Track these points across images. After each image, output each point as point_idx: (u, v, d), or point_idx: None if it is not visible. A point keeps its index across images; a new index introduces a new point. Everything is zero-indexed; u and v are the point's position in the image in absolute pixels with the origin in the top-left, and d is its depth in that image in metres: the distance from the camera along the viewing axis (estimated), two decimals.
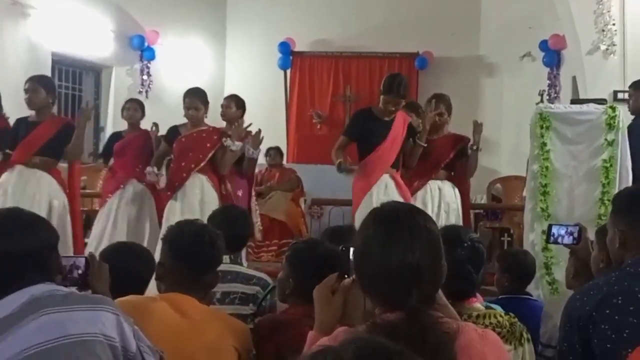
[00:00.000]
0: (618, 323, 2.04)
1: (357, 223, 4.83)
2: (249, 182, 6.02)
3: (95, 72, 9.52)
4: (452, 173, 5.57)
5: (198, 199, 5.40)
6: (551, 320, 2.97)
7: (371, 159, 5.09)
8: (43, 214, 4.31)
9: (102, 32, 9.12)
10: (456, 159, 5.50)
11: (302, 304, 2.46)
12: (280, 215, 7.63)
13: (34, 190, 5.15)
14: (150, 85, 9.71)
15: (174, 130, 5.60)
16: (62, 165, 5.53)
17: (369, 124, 5.13)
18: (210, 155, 5.48)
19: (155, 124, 5.86)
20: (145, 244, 5.51)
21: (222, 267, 2.58)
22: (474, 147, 5.42)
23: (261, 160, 8.49)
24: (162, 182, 5.55)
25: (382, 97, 5.11)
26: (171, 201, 5.47)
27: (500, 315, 2.21)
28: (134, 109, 6.15)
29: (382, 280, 1.56)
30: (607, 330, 2.05)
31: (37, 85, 5.22)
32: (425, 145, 5.20)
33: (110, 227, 5.81)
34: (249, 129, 5.58)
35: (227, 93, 9.93)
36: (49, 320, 1.81)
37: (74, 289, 2.04)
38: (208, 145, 5.49)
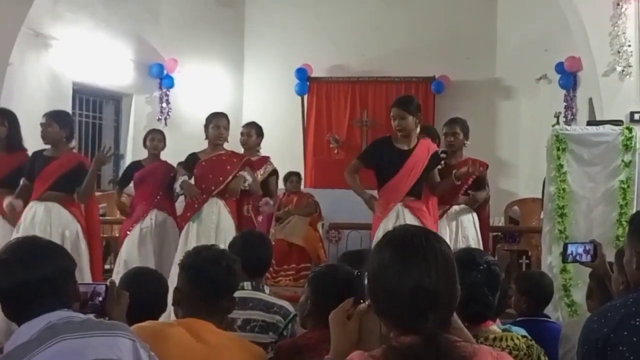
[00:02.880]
0: (636, 345, 2.03)
1: None
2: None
3: (115, 101, 9.65)
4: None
5: (214, 224, 5.44)
6: (570, 343, 2.95)
7: (385, 191, 4.95)
8: None
9: (122, 61, 9.27)
10: (474, 186, 5.43)
11: (320, 327, 2.47)
12: (298, 240, 7.65)
13: (45, 223, 5.14)
14: (170, 113, 9.83)
15: (193, 157, 5.65)
16: None
17: (385, 154, 4.97)
18: (230, 178, 5.53)
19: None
20: (172, 272, 5.56)
21: (243, 294, 2.58)
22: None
23: (281, 185, 8.56)
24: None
25: (391, 116, 4.96)
26: (189, 223, 5.50)
27: (517, 338, 2.21)
28: (158, 139, 6.20)
29: (397, 304, 1.56)
30: (625, 352, 2.04)
31: (50, 120, 5.27)
32: (458, 182, 5.02)
33: (136, 260, 5.76)
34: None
35: (245, 119, 10.03)
36: (67, 346, 1.83)
37: (91, 316, 2.07)
38: (229, 167, 5.55)
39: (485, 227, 5.62)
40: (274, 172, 6.20)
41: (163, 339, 2.24)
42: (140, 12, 9.50)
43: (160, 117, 9.74)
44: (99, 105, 9.45)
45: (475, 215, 5.43)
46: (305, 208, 7.99)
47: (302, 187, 8.57)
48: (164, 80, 9.79)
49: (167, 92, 9.85)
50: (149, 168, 6.12)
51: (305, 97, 10.55)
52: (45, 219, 5.17)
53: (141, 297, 2.54)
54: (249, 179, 5.56)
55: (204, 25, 10.24)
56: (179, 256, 5.36)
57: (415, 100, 5.07)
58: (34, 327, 1.88)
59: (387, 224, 4.79)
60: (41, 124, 5.28)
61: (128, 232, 5.95)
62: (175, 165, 5.98)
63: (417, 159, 4.91)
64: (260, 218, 5.91)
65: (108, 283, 2.28)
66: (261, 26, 10.75)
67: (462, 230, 5.30)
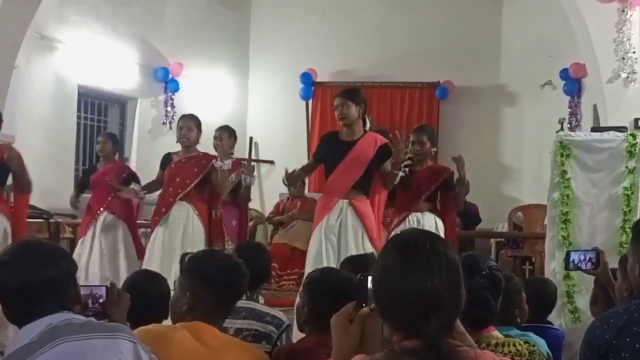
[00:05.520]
0: (638, 351, 2.03)
1: (312, 249, 4.80)
2: (242, 212, 6.05)
3: (120, 104, 9.66)
4: (437, 205, 5.44)
5: (182, 228, 5.42)
6: (573, 350, 2.94)
7: (328, 182, 4.91)
8: None
9: (127, 64, 9.28)
10: (440, 191, 5.39)
11: (318, 332, 2.47)
12: (301, 245, 7.63)
13: None
14: (174, 117, 9.78)
15: (167, 157, 5.69)
16: None
17: (331, 146, 4.92)
18: (197, 180, 5.50)
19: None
20: (121, 274, 5.66)
21: (238, 304, 2.57)
22: (459, 182, 5.32)
23: (285, 189, 8.55)
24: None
25: (334, 106, 4.89)
26: (157, 227, 5.51)
27: (520, 344, 2.21)
28: (103, 142, 6.32)
29: (400, 307, 1.56)
30: (628, 359, 2.04)
31: None
32: (400, 173, 4.75)
33: (84, 262, 5.91)
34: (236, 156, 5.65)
35: (250, 124, 10.10)
36: (67, 348, 1.84)
37: (92, 318, 2.07)
38: (195, 170, 5.52)
39: (451, 231, 5.47)
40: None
41: (166, 342, 2.24)
42: (146, 16, 9.52)
43: (165, 120, 9.74)
44: (104, 108, 9.46)
45: (439, 221, 5.35)
46: (309, 212, 7.97)
47: (306, 191, 8.57)
48: (169, 84, 9.79)
49: (172, 96, 9.84)
50: (101, 170, 6.25)
51: (310, 101, 10.55)
52: None
53: (145, 300, 2.54)
54: (223, 162, 5.38)
55: (210, 29, 10.25)
56: (148, 260, 5.41)
57: (361, 92, 4.99)
58: (35, 329, 1.89)
59: (330, 219, 4.75)
60: None
61: (84, 233, 6.06)
62: None
63: (361, 150, 4.80)
64: (234, 222, 5.88)
65: (108, 285, 2.29)
66: (267, 30, 10.76)
67: None
